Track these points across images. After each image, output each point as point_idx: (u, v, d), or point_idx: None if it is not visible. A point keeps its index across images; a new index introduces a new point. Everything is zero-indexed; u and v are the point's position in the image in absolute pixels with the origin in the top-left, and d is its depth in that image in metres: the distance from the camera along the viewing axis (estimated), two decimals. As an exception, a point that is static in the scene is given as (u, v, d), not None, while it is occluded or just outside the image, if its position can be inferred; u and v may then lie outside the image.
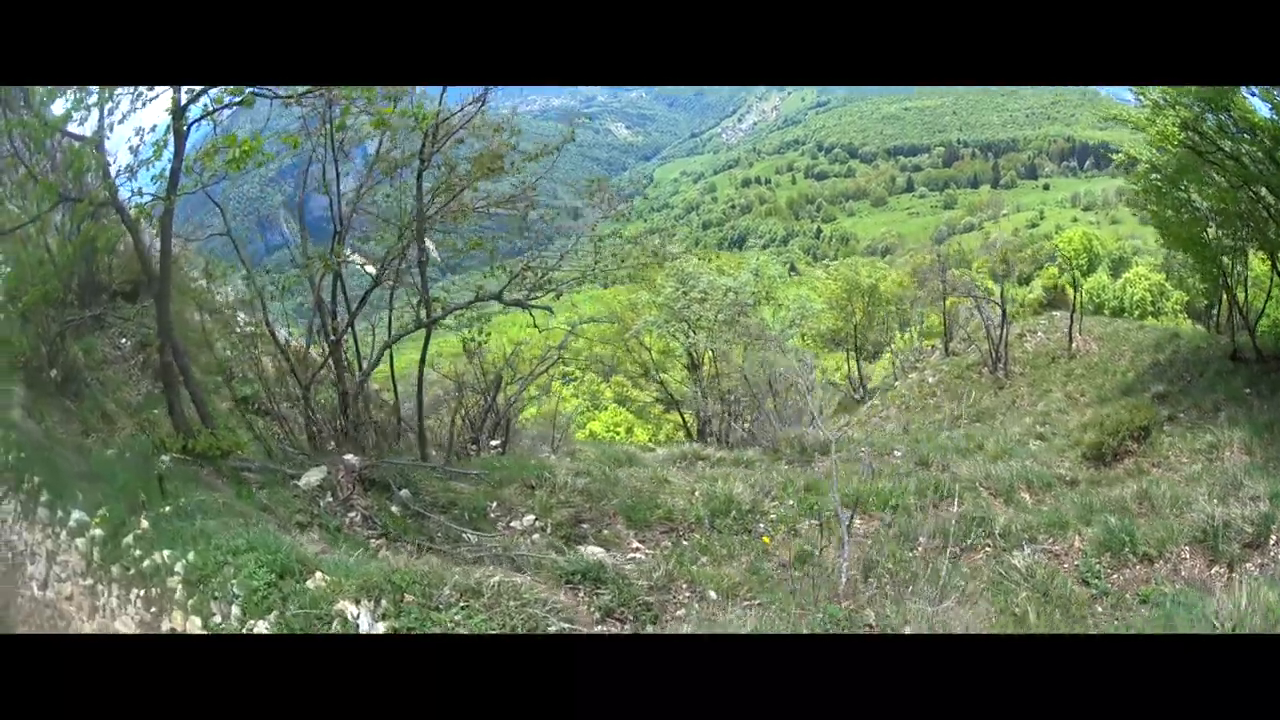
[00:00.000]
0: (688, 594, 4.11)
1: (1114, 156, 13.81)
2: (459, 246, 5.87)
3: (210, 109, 4.65)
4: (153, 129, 4.87)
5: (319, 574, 3.07)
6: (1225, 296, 13.04)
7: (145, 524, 3.91)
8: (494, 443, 7.79)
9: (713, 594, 4.17)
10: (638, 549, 5.06)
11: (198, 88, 4.61)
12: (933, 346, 23.18)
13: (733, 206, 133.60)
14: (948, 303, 21.37)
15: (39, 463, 4.74)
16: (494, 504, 5.35)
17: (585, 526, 5.17)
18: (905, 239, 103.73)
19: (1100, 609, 5.02)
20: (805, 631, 3.12)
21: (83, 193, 5.44)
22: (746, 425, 13.51)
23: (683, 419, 16.36)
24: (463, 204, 5.56)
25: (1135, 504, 6.21)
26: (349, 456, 4.80)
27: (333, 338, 5.80)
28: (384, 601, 2.83)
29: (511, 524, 5.07)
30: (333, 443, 6.06)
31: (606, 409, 24.89)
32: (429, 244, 5.75)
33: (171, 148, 4.76)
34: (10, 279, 6.00)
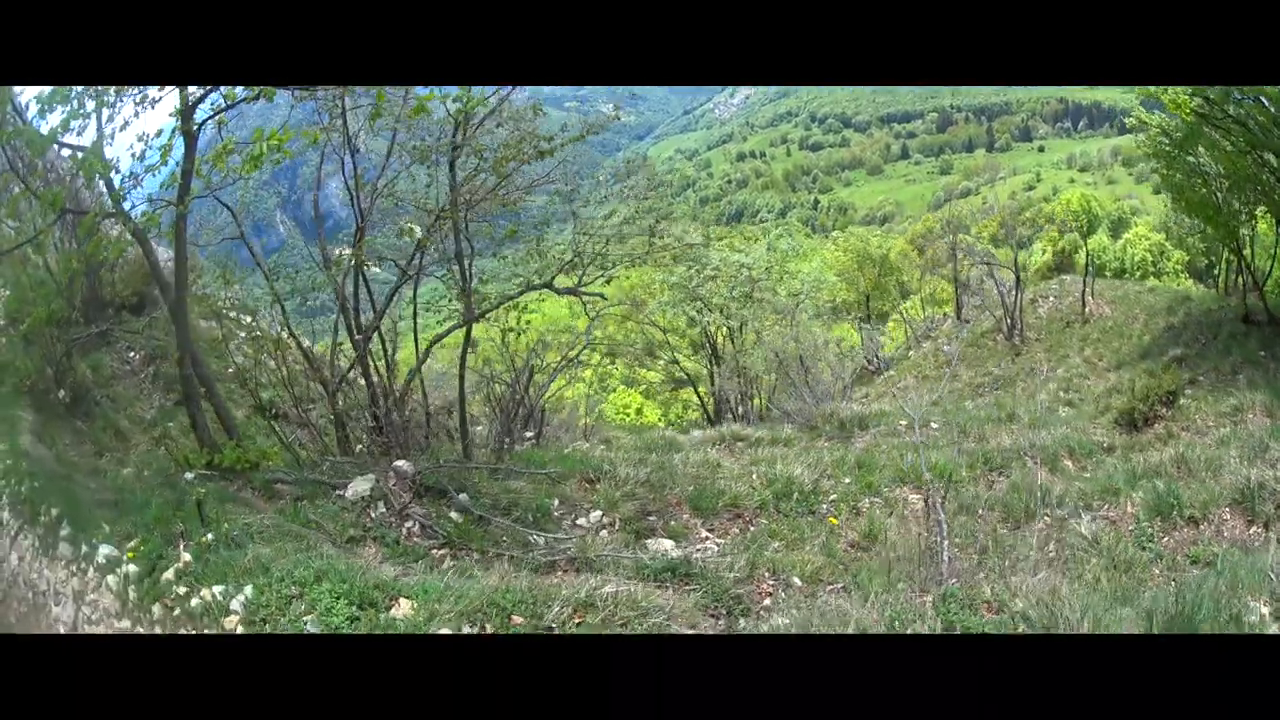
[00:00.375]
0: (771, 582, 3.97)
1: (1127, 121, 13.81)
2: (495, 236, 5.61)
3: (222, 106, 4.37)
4: (158, 133, 4.61)
5: (404, 600, 2.78)
6: (1234, 258, 13.04)
7: (187, 556, 3.54)
8: (528, 434, 7.59)
9: (797, 580, 4.04)
10: (707, 538, 4.90)
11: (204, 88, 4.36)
12: (944, 314, 22.94)
13: (729, 181, 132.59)
14: (958, 268, 21.12)
15: (55, 492, 4.38)
16: (555, 501, 5.12)
17: (652, 519, 4.96)
18: (903, 206, 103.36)
19: (1158, 571, 5.05)
20: (929, 613, 3.03)
21: (82, 205, 5.16)
22: (761, 401, 13.36)
23: (699, 398, 16.15)
24: (497, 191, 5.25)
25: (1174, 468, 6.18)
26: (400, 463, 4.55)
27: (360, 337, 5.54)
28: (489, 628, 2.56)
29: (578, 521, 4.86)
30: (360, 445, 5.84)
31: (615, 390, 24.62)
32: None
33: (176, 152, 4.50)
34: (11, 301, 5.73)
